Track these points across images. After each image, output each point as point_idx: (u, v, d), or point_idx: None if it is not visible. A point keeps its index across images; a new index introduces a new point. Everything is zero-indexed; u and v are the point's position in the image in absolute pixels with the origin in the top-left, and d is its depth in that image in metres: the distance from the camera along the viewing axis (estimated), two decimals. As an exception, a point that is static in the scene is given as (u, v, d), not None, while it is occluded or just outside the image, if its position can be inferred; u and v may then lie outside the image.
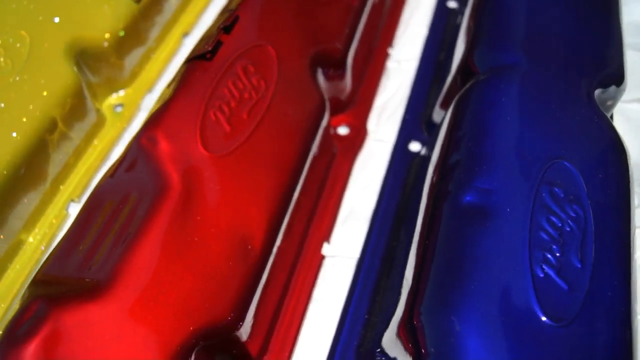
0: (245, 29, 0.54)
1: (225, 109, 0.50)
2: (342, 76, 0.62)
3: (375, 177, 0.60)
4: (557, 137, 0.47)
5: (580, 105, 0.50)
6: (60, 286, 0.42)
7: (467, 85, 0.53)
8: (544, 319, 0.39)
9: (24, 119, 0.55)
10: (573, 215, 0.44)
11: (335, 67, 0.60)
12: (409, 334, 0.40)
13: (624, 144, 0.50)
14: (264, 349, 0.49)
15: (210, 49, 0.51)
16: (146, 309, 0.41)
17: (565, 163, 0.46)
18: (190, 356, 0.42)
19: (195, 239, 0.44)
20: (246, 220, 0.47)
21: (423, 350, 0.39)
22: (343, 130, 0.64)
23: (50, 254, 0.45)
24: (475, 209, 0.43)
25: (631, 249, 0.44)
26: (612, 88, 0.54)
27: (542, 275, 0.40)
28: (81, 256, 0.44)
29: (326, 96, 0.58)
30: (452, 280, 0.40)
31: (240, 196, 0.47)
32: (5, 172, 0.53)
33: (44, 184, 0.58)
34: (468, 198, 0.44)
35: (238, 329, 0.45)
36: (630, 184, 0.48)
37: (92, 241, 0.44)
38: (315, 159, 0.58)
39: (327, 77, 0.60)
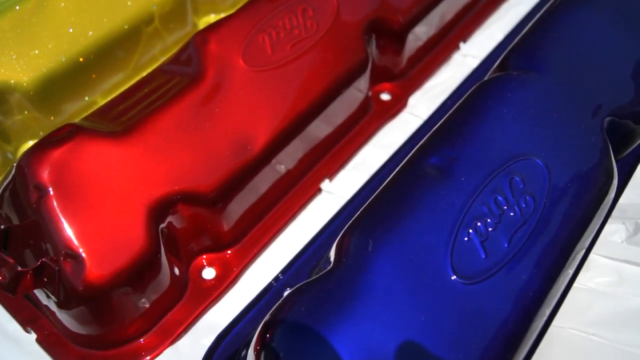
0: (318, -22, 0.62)
1: (274, 36, 0.58)
2: (396, 50, 0.68)
3: (397, 142, 0.66)
4: (542, 139, 0.50)
5: (582, 123, 0.52)
6: (95, 124, 0.52)
7: (491, 77, 0.57)
8: (450, 272, 0.43)
9: (129, 4, 0.67)
10: (523, 205, 0.47)
11: (390, 38, 0.66)
12: (338, 247, 0.46)
13: (613, 172, 0.52)
14: (237, 240, 0.57)
15: (280, -15, 0.60)
16: (144, 161, 0.50)
17: (539, 162, 0.49)
18: (169, 210, 0.51)
19: (207, 124, 0.53)
20: (255, 126, 0.55)
21: (342, 260, 0.45)
22: (385, 97, 0.70)
23: (105, 103, 0.57)
24: (435, 169, 0.48)
25: (567, 261, 0.47)
26: (631, 124, 0.56)
27: (465, 238, 0.44)
28: (120, 110, 0.54)
29: (371, 59, 0.65)
30: (386, 213, 0.46)
31: (257, 107, 0.55)
32: (99, 45, 0.65)
33: (128, 66, 0.70)
34: (433, 160, 0.49)
35: (217, 207, 0.53)
36: (602, 208, 0.50)
37: (132, 102, 0.55)
38: (348, 109, 0.64)
39: (378, 46, 0.66)
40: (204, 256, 0.56)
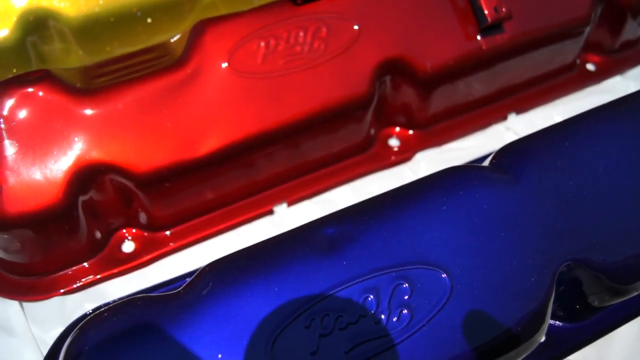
0: (347, 2, 0.57)
1: (272, 45, 0.55)
2: (417, 98, 0.61)
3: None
4: (466, 255, 0.42)
5: (529, 256, 0.43)
6: (72, 77, 0.54)
7: (458, 166, 0.49)
8: (267, 352, 0.39)
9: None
10: (394, 318, 0.40)
11: (412, 85, 0.59)
12: (195, 276, 0.44)
13: (540, 326, 0.42)
14: (168, 226, 0.57)
15: (301, -2, 0.56)
16: (90, 125, 0.51)
17: (445, 279, 0.42)
18: (97, 177, 0.52)
19: (165, 111, 0.53)
20: (211, 129, 0.53)
21: (180, 291, 0.42)
22: (393, 142, 0.64)
23: (99, 61, 0.58)
24: (326, 239, 0.43)
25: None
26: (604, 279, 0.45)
27: (305, 325, 0.40)
28: (104, 72, 0.56)
29: (380, 99, 0.59)
30: (248, 263, 0.42)
31: (222, 111, 0.53)
32: (154, 3, 0.67)
33: (177, 29, 0.71)
34: (330, 230, 0.44)
35: (148, 191, 0.53)
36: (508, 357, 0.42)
37: (119, 67, 0.56)
38: (334, 142, 0.60)
39: (396, 88, 0.60)
40: (130, 230, 0.57)
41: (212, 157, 0.53)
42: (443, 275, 0.42)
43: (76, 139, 0.51)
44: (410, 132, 0.64)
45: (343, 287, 0.41)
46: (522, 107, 0.67)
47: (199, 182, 0.55)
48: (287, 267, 0.42)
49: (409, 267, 0.42)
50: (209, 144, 0.53)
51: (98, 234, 0.55)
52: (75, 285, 0.54)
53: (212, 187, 0.56)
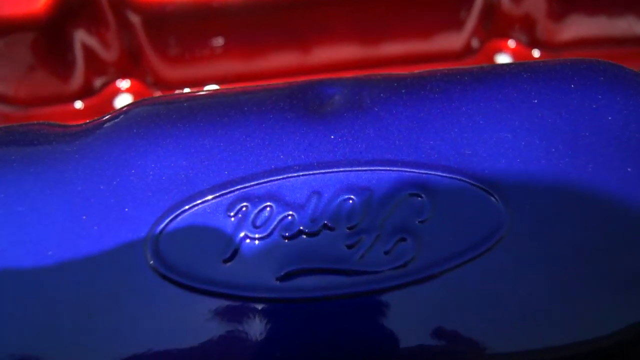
0: None
1: None
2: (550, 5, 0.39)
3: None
4: (550, 187, 0.22)
5: None
6: None
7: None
8: (149, 240, 0.22)
9: None
10: (385, 247, 0.22)
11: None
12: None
13: None
14: (175, 87, 0.42)
15: None
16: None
17: (501, 213, 0.22)
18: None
19: None
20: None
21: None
22: (502, 58, 0.43)
23: None
24: (319, 97, 0.25)
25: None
26: None
27: (229, 209, 0.22)
28: None
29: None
30: (189, 102, 0.26)
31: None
32: None
33: None
34: (333, 90, 0.25)
35: (151, 22, 0.38)
36: None
37: None
38: (426, 36, 0.41)
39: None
40: (132, 83, 0.43)
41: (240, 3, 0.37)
42: (493, 200, 0.22)
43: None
44: (532, 52, 0.43)
45: (315, 171, 0.23)
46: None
47: (219, 35, 0.39)
48: (238, 119, 0.24)
49: (439, 173, 0.22)
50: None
51: (98, 83, 0.42)
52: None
53: (237, 50, 0.40)
